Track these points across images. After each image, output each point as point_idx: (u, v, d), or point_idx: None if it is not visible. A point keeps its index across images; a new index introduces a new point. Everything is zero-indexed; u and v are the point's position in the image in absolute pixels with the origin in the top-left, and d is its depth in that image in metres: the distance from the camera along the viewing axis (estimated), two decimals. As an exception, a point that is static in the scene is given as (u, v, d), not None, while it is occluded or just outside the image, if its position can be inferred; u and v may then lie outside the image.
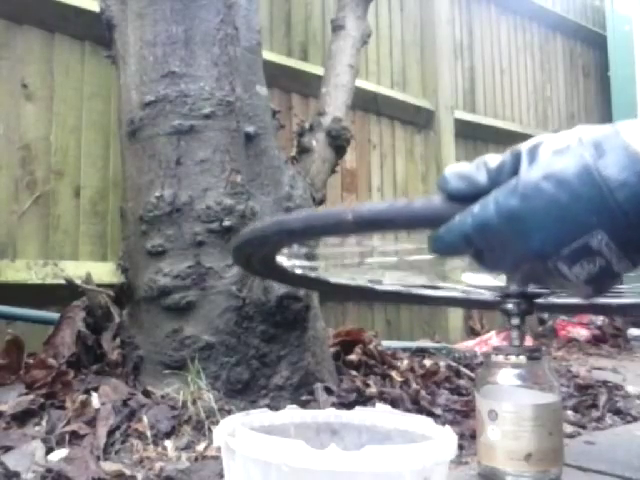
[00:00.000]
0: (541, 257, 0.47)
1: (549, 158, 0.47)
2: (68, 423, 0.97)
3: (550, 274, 0.49)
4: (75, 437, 0.94)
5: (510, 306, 0.87)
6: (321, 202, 1.54)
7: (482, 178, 0.50)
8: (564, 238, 0.46)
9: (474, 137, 3.10)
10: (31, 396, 1.04)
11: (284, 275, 0.94)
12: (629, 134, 0.45)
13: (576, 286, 0.49)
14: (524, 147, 0.49)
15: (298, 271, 0.95)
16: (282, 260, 0.89)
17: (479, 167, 0.51)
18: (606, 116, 3.88)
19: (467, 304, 1.28)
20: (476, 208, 0.49)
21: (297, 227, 0.64)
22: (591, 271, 0.47)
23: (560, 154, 0.46)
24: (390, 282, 1.06)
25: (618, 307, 1.05)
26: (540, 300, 1.01)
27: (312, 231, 0.65)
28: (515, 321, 0.87)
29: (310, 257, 1.17)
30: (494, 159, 0.51)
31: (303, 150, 1.57)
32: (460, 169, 0.52)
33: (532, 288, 0.88)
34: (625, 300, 1.02)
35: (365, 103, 2.56)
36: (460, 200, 0.51)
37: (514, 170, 0.49)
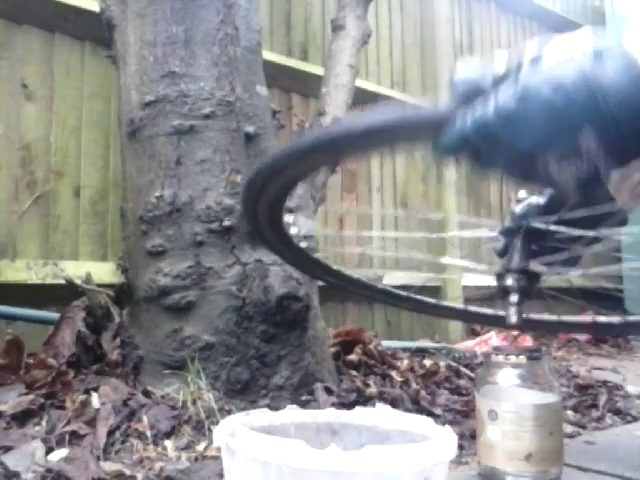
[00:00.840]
0: (532, 157, 0.50)
1: (551, 65, 0.49)
2: (68, 423, 0.97)
3: (540, 176, 0.51)
4: (75, 437, 0.94)
5: (509, 282, 0.83)
6: (321, 202, 1.54)
7: (488, 84, 0.52)
8: (555, 140, 0.48)
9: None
10: (31, 396, 1.04)
11: (290, 246, 0.91)
12: (631, 42, 0.46)
13: (564, 190, 0.51)
14: (527, 54, 0.51)
15: (302, 244, 0.93)
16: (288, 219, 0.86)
17: (486, 73, 0.53)
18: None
19: (467, 317, 1.25)
20: (476, 110, 0.51)
21: (306, 146, 0.63)
22: (579, 175, 0.49)
23: (562, 62, 0.48)
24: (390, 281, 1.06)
25: (621, 325, 1.02)
26: (540, 318, 1.00)
27: (322, 147, 0.63)
28: (514, 298, 0.82)
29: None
30: (501, 63, 0.52)
31: (303, 150, 1.57)
32: (468, 75, 0.53)
33: (534, 266, 0.85)
34: (630, 318, 1.00)
35: (365, 103, 2.56)
36: (466, 103, 0.52)
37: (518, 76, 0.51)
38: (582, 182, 0.50)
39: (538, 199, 0.91)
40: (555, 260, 0.84)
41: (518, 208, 0.89)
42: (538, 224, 0.85)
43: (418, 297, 1.11)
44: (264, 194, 0.75)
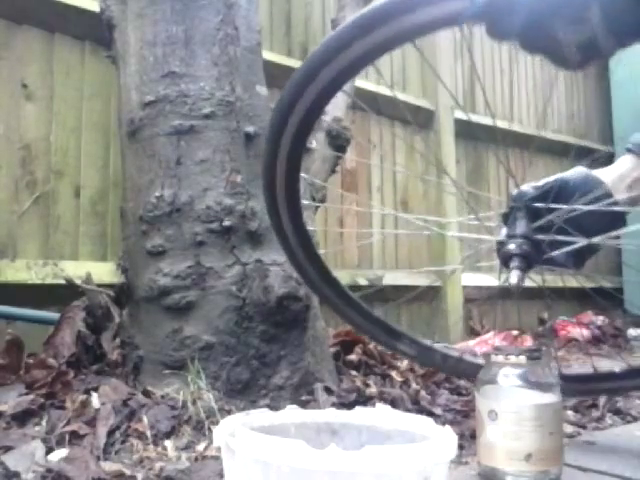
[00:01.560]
0: (543, 17, 0.55)
1: None
2: (68, 423, 0.97)
3: (546, 38, 0.56)
4: (75, 437, 0.94)
5: (512, 246, 0.83)
6: (321, 202, 1.54)
7: None
8: (564, 4, 0.54)
9: (474, 137, 3.10)
10: (31, 396, 1.04)
11: (296, 213, 0.90)
12: None
13: (565, 53, 0.57)
14: None
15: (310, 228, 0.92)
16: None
17: None
18: (606, 116, 3.88)
19: (460, 369, 1.17)
20: None
21: (333, 44, 0.66)
22: (580, 39, 0.55)
23: None
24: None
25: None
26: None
27: (372, 24, 0.64)
28: (515, 262, 0.82)
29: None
30: None
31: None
32: None
33: (538, 234, 0.85)
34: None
35: (365, 103, 2.56)
36: None
37: None
38: (582, 46, 0.55)
39: (536, 182, 0.92)
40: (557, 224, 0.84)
41: (517, 190, 0.90)
42: (538, 204, 0.86)
43: (413, 336, 1.10)
44: (293, 116, 0.76)
